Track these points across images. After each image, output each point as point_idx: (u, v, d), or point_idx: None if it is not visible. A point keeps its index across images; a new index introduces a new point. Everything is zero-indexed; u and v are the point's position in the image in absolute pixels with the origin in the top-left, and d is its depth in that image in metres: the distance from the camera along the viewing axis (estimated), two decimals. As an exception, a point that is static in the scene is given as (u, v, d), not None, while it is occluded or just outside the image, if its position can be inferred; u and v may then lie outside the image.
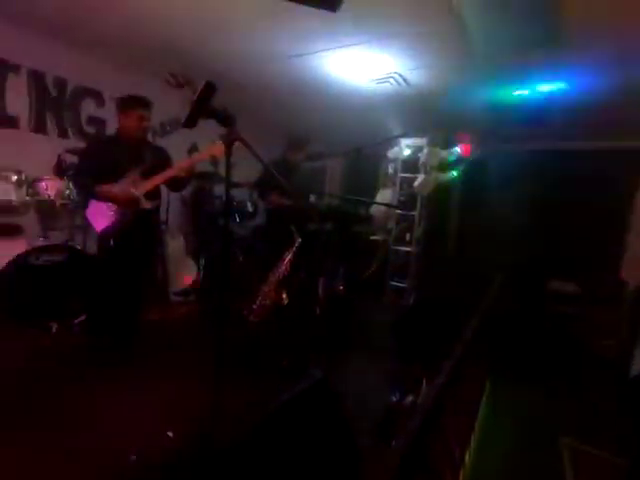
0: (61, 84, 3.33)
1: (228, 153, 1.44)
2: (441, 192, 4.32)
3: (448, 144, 4.34)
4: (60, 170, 2.63)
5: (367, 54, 3.07)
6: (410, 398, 1.88)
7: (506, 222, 4.59)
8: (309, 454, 1.15)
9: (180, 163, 2.42)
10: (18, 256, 2.29)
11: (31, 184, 2.50)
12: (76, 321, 2.48)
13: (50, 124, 3.29)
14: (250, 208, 4.08)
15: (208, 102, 1.38)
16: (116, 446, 1.55)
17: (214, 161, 3.80)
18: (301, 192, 2.72)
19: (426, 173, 4.17)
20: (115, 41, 3.13)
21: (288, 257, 2.46)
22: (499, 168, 4.80)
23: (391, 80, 3.52)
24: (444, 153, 4.25)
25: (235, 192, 4.24)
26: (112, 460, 1.47)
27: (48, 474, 1.42)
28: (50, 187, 2.58)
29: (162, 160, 2.46)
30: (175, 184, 2.54)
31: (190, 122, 1.39)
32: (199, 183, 4.17)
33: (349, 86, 3.69)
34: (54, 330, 2.38)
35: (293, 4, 2.23)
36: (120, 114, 2.32)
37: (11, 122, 3.04)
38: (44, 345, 2.30)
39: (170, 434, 1.67)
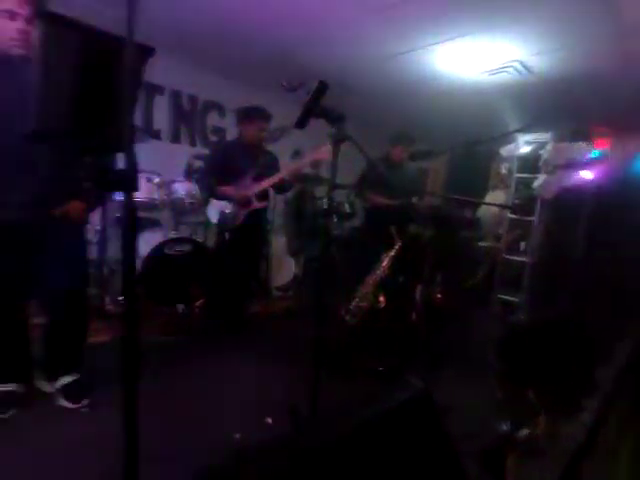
0: (193, 100, 3.87)
1: (335, 152, 1.46)
2: (569, 195, 3.68)
3: (579, 139, 3.69)
4: (189, 173, 3.05)
5: (481, 43, 2.81)
6: (526, 431, 1.62)
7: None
8: (405, 472, 1.07)
9: (288, 167, 2.61)
10: (156, 246, 2.72)
11: (168, 185, 2.95)
12: (197, 304, 2.84)
13: (183, 135, 3.86)
14: (348, 209, 4.11)
15: (319, 102, 1.42)
16: (220, 422, 1.68)
17: (316, 165, 3.96)
18: (403, 192, 2.62)
19: (549, 173, 3.61)
20: (236, 57, 3.50)
21: (387, 260, 2.39)
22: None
23: (509, 69, 3.16)
24: (573, 150, 3.62)
25: (334, 193, 4.35)
26: (216, 434, 1.58)
27: (160, 438, 1.57)
28: (181, 188, 3.00)
29: (273, 164, 2.68)
30: (282, 187, 2.72)
31: (302, 123, 1.44)
32: (301, 185, 4.38)
33: (459, 80, 3.44)
34: (180, 311, 2.76)
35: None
36: (241, 124, 2.57)
37: (156, 134, 3.66)
38: (173, 323, 2.69)
39: (269, 420, 1.75)
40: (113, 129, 0.89)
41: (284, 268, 3.73)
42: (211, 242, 3.04)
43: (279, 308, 3.41)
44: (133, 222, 0.83)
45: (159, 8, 2.54)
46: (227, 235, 2.60)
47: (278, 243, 3.78)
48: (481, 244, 3.97)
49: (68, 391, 1.63)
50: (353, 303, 2.37)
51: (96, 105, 0.87)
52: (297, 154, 4.97)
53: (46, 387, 1.68)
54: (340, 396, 1.60)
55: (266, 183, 2.52)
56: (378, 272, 2.38)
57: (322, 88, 1.40)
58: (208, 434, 1.57)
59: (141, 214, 3.12)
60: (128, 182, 0.76)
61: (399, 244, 2.39)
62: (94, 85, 0.86)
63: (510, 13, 2.37)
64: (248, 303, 2.88)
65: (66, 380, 1.66)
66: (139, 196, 2.81)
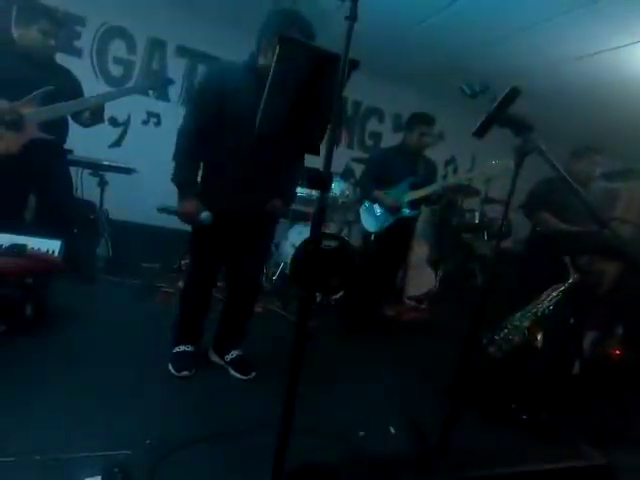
0: (357, 106, 4.10)
1: (519, 164, 1.32)
2: None
3: None
4: (346, 174, 3.25)
5: None
6: None
7: None
8: None
9: (445, 183, 2.57)
10: (307, 238, 3.00)
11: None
12: (334, 297, 3.02)
13: (343, 137, 4.12)
14: (503, 227, 3.68)
15: (506, 109, 1.29)
16: (344, 415, 1.69)
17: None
18: (587, 216, 2.15)
19: None
20: (406, 63, 3.52)
21: (554, 293, 2.02)
22: None
23: None
24: None
25: (487, 209, 3.98)
26: (339, 427, 1.58)
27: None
28: (336, 187, 3.22)
29: (431, 173, 2.64)
30: (432, 199, 2.63)
31: (482, 131, 1.34)
32: (451, 196, 4.14)
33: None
34: (318, 300, 2.98)
35: None
36: (405, 130, 2.59)
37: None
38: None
39: (392, 430, 1.71)
40: (316, 134, 1.02)
41: (422, 278, 3.61)
42: (356, 241, 3.18)
43: (408, 317, 3.32)
44: (322, 217, 0.94)
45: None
46: (372, 237, 2.67)
47: (420, 251, 3.67)
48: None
49: (237, 364, 1.78)
50: (501, 334, 2.10)
51: (305, 112, 1.00)
52: (451, 162, 4.73)
53: (217, 360, 1.85)
54: (467, 429, 1.45)
55: (420, 193, 2.49)
56: (539, 305, 2.03)
57: (513, 94, 1.27)
58: (332, 425, 1.58)
59: (299, 207, 3.50)
60: (327, 182, 0.85)
61: (575, 277, 1.99)
62: (306, 94, 0.99)
63: None
64: (383, 306, 2.90)
65: (235, 354, 1.81)
66: (299, 191, 3.16)
